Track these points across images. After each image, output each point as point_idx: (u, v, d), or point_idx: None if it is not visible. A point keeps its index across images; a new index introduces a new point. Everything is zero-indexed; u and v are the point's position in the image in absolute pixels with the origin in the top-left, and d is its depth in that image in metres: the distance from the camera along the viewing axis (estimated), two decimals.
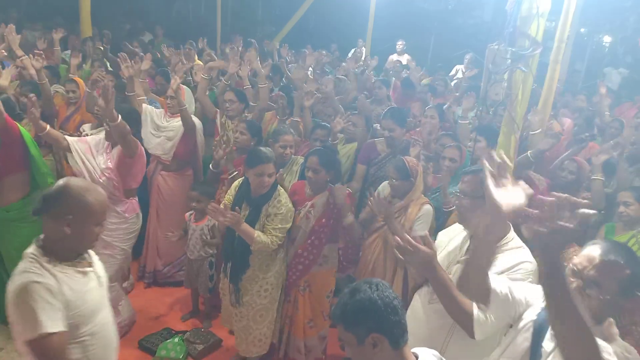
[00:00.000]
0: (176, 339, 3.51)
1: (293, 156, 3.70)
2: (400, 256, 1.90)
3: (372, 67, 6.67)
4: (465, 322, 1.95)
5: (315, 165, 3.04)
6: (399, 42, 8.94)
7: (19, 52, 4.40)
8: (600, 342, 1.42)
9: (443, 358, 1.63)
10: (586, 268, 1.55)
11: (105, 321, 1.97)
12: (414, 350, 1.59)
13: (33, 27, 8.38)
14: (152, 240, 4.29)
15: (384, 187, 3.34)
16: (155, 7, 12.79)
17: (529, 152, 3.75)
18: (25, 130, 3.36)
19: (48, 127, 3.24)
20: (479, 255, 1.62)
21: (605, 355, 1.35)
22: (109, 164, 3.33)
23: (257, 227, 2.99)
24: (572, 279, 1.56)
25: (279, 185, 3.11)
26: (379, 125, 4.24)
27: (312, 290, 3.19)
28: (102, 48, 6.72)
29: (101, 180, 3.28)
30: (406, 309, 2.57)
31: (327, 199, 3.12)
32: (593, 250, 1.57)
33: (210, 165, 3.92)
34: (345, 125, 4.06)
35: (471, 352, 2.16)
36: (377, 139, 4.05)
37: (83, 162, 3.32)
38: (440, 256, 2.19)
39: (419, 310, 2.40)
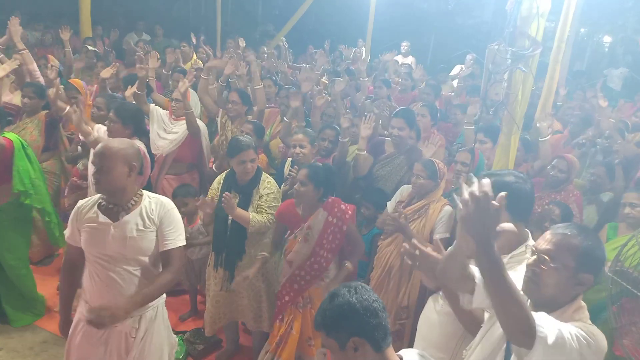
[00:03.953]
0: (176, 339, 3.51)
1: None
2: (409, 261, 1.89)
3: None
4: (476, 328, 1.95)
5: (304, 178, 2.93)
6: (404, 44, 8.81)
7: (20, 45, 4.39)
8: (557, 322, 1.48)
9: (431, 358, 1.63)
10: (540, 244, 1.64)
11: None
12: (399, 352, 1.59)
13: (34, 27, 8.39)
14: None
15: (402, 190, 3.33)
16: (155, 7, 12.78)
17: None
18: (16, 137, 3.45)
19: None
20: (461, 246, 1.65)
21: (540, 328, 1.40)
22: None
23: (250, 210, 3.08)
24: (529, 258, 1.65)
25: (263, 171, 3.23)
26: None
27: (315, 307, 3.02)
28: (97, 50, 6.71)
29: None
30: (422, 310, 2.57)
31: (325, 218, 2.96)
32: (548, 231, 1.68)
33: (214, 167, 3.92)
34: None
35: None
36: (386, 138, 4.03)
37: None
38: None
39: (433, 315, 2.40)
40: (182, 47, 6.75)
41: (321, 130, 4.01)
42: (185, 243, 2.36)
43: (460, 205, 1.38)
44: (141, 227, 2.24)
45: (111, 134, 3.37)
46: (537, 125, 4.00)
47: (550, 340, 1.41)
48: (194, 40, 7.13)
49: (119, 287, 2.25)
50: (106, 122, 3.49)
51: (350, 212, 3.00)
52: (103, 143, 2.25)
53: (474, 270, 1.75)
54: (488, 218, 1.33)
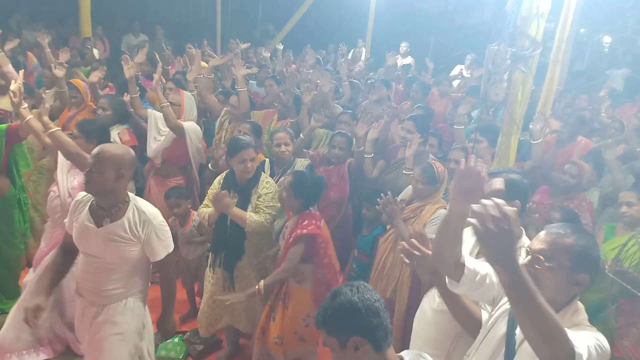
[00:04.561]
0: (176, 339, 3.52)
1: (297, 159, 3.70)
2: (407, 260, 1.89)
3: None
4: (472, 327, 1.95)
5: (287, 185, 3.00)
6: (403, 44, 8.83)
7: None
8: (575, 333, 1.42)
9: (430, 358, 1.63)
10: (534, 244, 1.62)
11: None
12: (400, 353, 1.59)
13: (33, 28, 8.40)
14: None
15: (407, 190, 3.35)
16: (155, 7, 12.79)
17: None
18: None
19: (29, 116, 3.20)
20: (447, 226, 1.66)
21: (577, 349, 1.33)
22: (75, 183, 3.16)
23: (248, 210, 3.07)
24: (524, 259, 1.61)
25: (262, 171, 3.22)
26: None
27: (288, 307, 3.05)
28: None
29: (67, 201, 3.05)
30: (416, 308, 2.57)
31: (294, 224, 3.01)
32: (542, 231, 1.66)
33: (210, 165, 3.93)
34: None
35: None
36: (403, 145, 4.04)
37: (62, 173, 3.21)
38: None
39: (428, 314, 2.40)
40: (187, 50, 6.75)
41: (331, 137, 4.02)
42: (172, 248, 2.46)
43: (480, 230, 1.27)
44: (121, 239, 2.29)
45: None
46: (530, 127, 4.01)
47: (585, 357, 1.36)
48: (205, 46, 7.13)
49: (97, 281, 2.36)
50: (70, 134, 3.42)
51: (304, 231, 2.89)
52: (101, 146, 2.31)
53: (467, 259, 1.75)
54: (511, 237, 1.25)
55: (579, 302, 1.62)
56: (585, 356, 1.35)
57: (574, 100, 6.12)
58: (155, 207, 2.42)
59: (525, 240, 2.11)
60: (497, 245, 1.26)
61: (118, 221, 2.29)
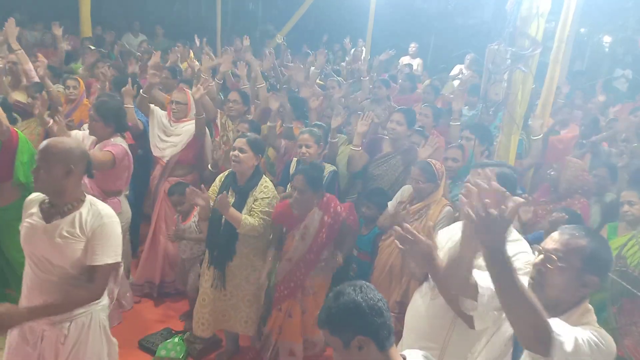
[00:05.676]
0: (176, 339, 3.51)
1: (325, 164, 3.73)
2: (400, 245, 1.92)
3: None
4: (468, 315, 1.96)
5: (302, 185, 2.97)
6: (412, 45, 8.78)
7: (15, 46, 4.38)
8: (570, 327, 1.47)
9: (433, 358, 1.63)
10: (547, 244, 1.65)
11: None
12: (403, 352, 1.59)
13: (33, 28, 8.39)
14: (160, 251, 4.12)
15: (403, 191, 3.36)
16: (155, 7, 12.79)
17: None
18: (22, 134, 3.40)
19: (51, 121, 3.31)
20: (464, 253, 1.67)
21: (556, 335, 1.39)
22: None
23: (243, 211, 3.07)
24: (537, 257, 1.67)
25: (264, 174, 3.23)
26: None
27: (320, 294, 3.19)
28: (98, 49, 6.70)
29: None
30: None
31: (321, 217, 3.08)
32: (556, 232, 1.69)
33: (209, 166, 3.92)
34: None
35: (473, 346, 2.17)
36: (384, 136, 4.04)
37: None
38: (441, 253, 2.20)
39: (420, 307, 2.40)
40: (176, 47, 6.73)
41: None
42: (116, 260, 2.20)
43: (473, 216, 1.36)
44: (67, 235, 2.11)
45: (92, 132, 3.35)
46: (530, 123, 4.02)
47: (569, 348, 1.39)
48: (197, 42, 7.09)
49: (39, 291, 2.17)
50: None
51: (343, 213, 3.13)
52: (47, 140, 2.16)
53: (477, 277, 1.76)
54: (502, 226, 1.33)
55: (589, 304, 1.63)
56: (569, 346, 1.40)
57: (577, 100, 6.12)
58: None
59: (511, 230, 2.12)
60: (488, 229, 1.34)
61: (68, 216, 2.13)
